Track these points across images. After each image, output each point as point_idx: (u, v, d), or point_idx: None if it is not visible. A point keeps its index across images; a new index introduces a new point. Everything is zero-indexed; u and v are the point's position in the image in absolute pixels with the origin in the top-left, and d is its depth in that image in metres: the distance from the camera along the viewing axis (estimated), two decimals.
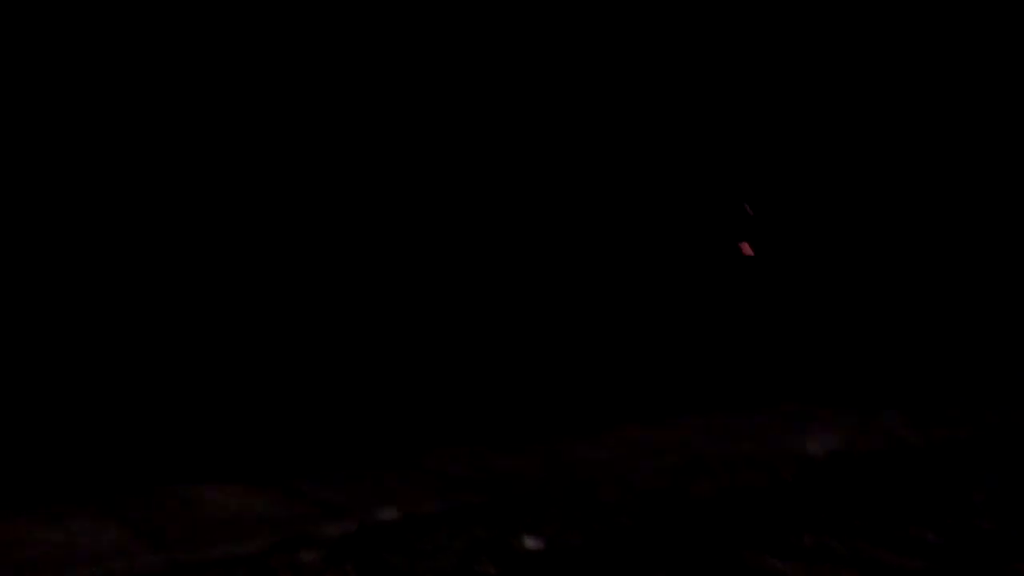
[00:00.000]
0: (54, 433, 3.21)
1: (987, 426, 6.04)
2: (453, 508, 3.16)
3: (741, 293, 6.46)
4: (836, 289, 6.95)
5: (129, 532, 2.60)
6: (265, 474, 3.43)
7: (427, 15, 3.75)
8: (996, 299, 7.31)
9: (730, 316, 6.38)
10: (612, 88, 4.82)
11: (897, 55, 6.46)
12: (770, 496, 3.72)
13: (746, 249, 6.36)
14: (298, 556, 2.57)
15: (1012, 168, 7.01)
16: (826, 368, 6.97)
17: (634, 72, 4.92)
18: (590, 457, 4.04)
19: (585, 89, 4.64)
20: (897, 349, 7.21)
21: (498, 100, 4.30)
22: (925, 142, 6.75)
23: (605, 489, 3.66)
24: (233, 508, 2.90)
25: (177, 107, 3.22)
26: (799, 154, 6.48)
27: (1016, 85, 6.79)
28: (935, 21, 6.48)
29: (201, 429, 3.58)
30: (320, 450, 3.92)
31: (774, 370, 6.64)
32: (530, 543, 3.01)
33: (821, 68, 6.22)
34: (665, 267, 5.74)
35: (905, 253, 7.06)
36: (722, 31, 5.40)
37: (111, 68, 2.99)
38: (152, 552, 2.40)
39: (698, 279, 6.05)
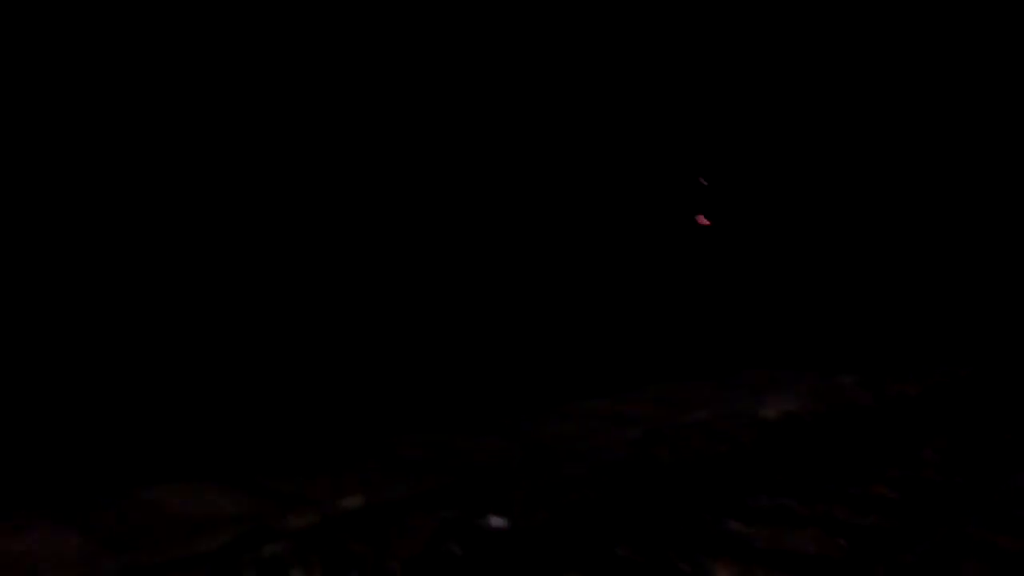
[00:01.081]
0: (7, 440, 3.14)
1: (936, 384, 6.23)
2: (418, 493, 3.17)
3: (698, 264, 6.55)
4: (793, 259, 7.08)
5: (88, 538, 2.57)
6: (226, 471, 3.40)
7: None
8: (945, 268, 7.52)
9: (688, 287, 6.46)
10: (571, 68, 4.82)
11: (842, 29, 6.55)
12: (729, 461, 3.80)
13: (702, 220, 6.43)
14: (262, 551, 2.56)
15: (964, 150, 7.18)
16: (784, 335, 7.11)
17: (591, 53, 4.92)
18: (554, 433, 4.08)
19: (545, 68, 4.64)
20: (852, 315, 7.38)
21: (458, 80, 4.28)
22: (877, 115, 6.87)
23: (569, 464, 3.70)
24: (194, 507, 2.88)
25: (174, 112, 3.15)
26: (756, 124, 6.56)
27: (928, 52, 6.94)
28: None
29: (158, 429, 3.53)
30: (281, 444, 3.90)
31: (733, 338, 6.76)
32: (496, 522, 3.04)
33: (768, 43, 6.28)
34: (622, 240, 5.79)
35: (860, 223, 7.21)
36: (680, 14, 5.42)
37: (114, 70, 2.92)
38: (113, 556, 2.37)
39: (655, 251, 6.12)
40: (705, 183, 6.47)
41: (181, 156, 3.36)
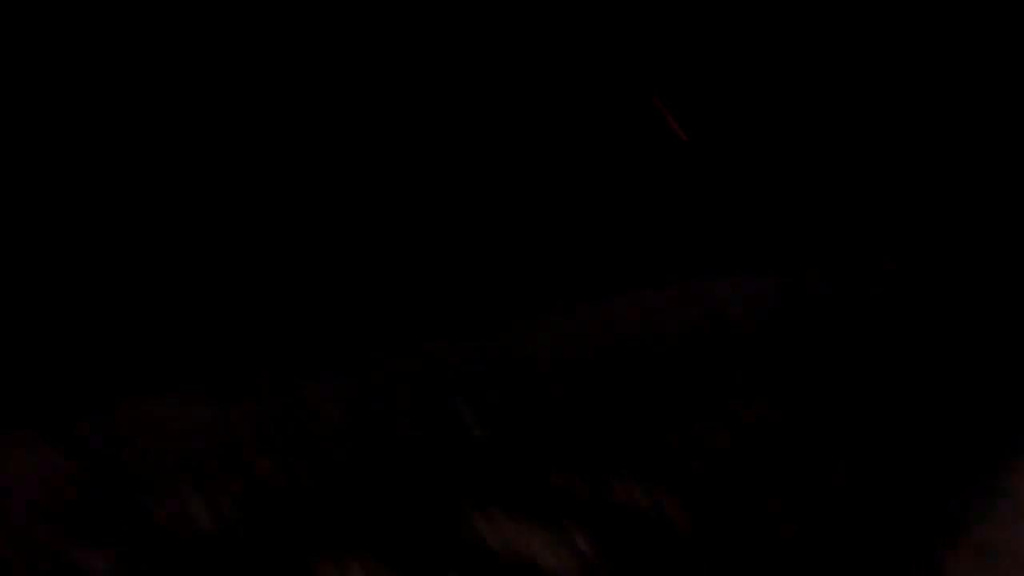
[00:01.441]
0: None
1: (899, 283, 6.39)
2: (395, 404, 3.22)
3: (664, 170, 6.53)
4: (754, 159, 7.08)
5: (72, 452, 2.58)
6: (210, 384, 3.41)
7: None
8: (900, 167, 7.58)
9: (654, 193, 6.46)
10: None
11: None
12: (697, 362, 3.89)
13: (670, 122, 6.38)
14: (250, 464, 2.59)
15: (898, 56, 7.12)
16: (751, 236, 7.19)
17: None
18: (526, 339, 4.13)
19: None
20: (818, 214, 7.45)
21: None
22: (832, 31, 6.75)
23: (541, 366, 3.78)
24: (179, 420, 2.89)
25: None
26: (722, 33, 6.43)
27: None
28: None
29: (136, 342, 3.51)
30: (261, 356, 3.90)
31: (701, 241, 6.82)
32: (472, 424, 3.11)
33: None
34: (590, 148, 5.73)
35: (815, 124, 7.20)
36: None
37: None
38: (98, 470, 2.39)
39: (620, 158, 6.07)
40: (659, 95, 6.38)
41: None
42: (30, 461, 2.52)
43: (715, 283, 5.83)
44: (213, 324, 3.82)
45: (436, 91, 4.59)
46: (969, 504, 2.30)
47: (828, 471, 2.48)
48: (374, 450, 2.81)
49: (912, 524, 2.15)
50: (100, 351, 3.42)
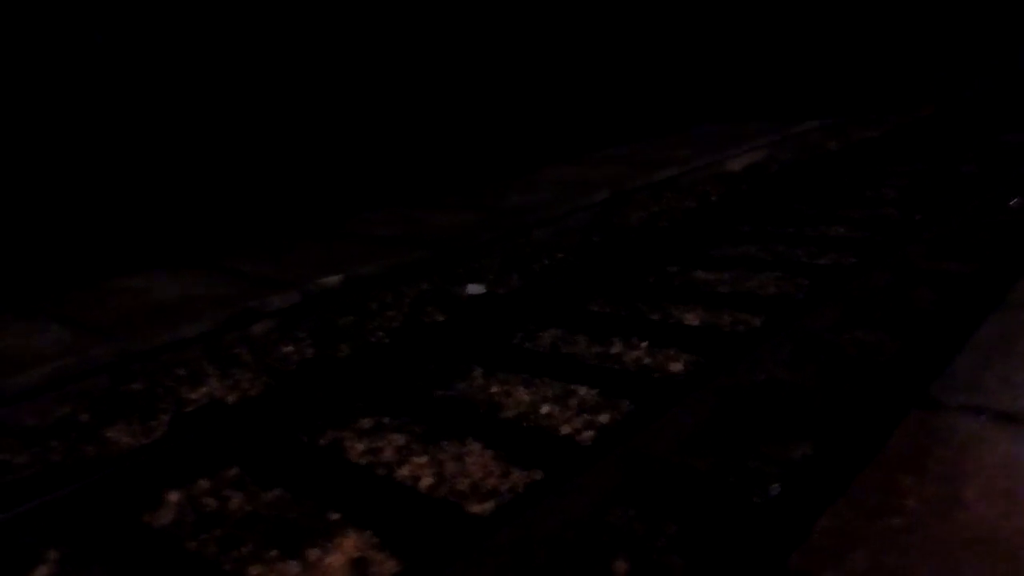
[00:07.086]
0: None
1: (897, 126, 6.26)
2: (394, 267, 3.24)
3: (660, 28, 6.26)
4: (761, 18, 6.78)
5: (72, 328, 2.62)
6: (200, 257, 3.41)
7: None
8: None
9: (653, 47, 6.22)
10: None
11: None
12: (694, 216, 3.88)
13: None
14: (250, 330, 2.64)
15: None
16: (750, 85, 6.99)
17: None
18: (521, 202, 4.10)
19: None
20: (815, 62, 7.21)
21: None
22: None
23: (539, 230, 3.77)
24: (174, 293, 2.92)
25: None
26: None
27: None
28: None
29: (123, 217, 3.48)
30: (250, 228, 3.88)
31: (695, 93, 6.63)
32: (473, 289, 3.14)
33: None
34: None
35: None
36: None
37: None
38: (102, 344, 2.43)
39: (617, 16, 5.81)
40: None
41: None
42: (32, 333, 2.56)
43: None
44: (206, 200, 3.78)
45: None
46: None
47: None
48: (381, 318, 2.86)
49: None
50: (86, 231, 3.40)
